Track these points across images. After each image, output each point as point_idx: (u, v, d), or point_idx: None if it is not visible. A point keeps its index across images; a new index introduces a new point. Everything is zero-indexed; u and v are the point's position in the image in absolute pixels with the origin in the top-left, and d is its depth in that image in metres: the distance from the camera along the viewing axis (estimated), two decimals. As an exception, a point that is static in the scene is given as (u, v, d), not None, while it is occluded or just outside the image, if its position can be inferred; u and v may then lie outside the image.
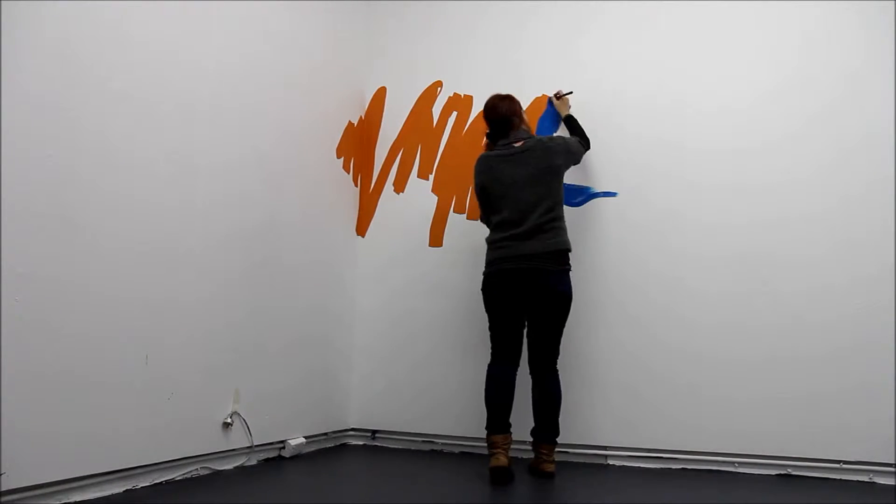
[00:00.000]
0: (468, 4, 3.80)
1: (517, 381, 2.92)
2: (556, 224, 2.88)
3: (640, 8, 3.45)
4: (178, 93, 2.66)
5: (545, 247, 2.83)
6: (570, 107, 3.38)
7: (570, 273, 2.93)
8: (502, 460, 2.77)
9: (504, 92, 3.08)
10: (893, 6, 3.03)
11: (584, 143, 3.22)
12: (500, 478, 2.73)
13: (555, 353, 2.91)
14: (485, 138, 3.12)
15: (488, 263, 2.95)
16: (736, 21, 3.28)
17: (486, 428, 2.85)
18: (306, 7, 3.46)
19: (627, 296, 3.29)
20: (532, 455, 2.95)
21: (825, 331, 2.98)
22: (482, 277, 2.97)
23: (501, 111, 3.00)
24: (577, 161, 3.11)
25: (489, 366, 2.95)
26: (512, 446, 2.87)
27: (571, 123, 3.32)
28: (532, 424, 2.93)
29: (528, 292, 2.85)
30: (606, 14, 3.51)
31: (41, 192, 2.14)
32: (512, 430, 2.88)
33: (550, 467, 2.85)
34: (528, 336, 2.93)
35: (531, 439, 2.94)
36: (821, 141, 3.08)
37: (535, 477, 2.86)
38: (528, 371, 2.93)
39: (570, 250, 2.92)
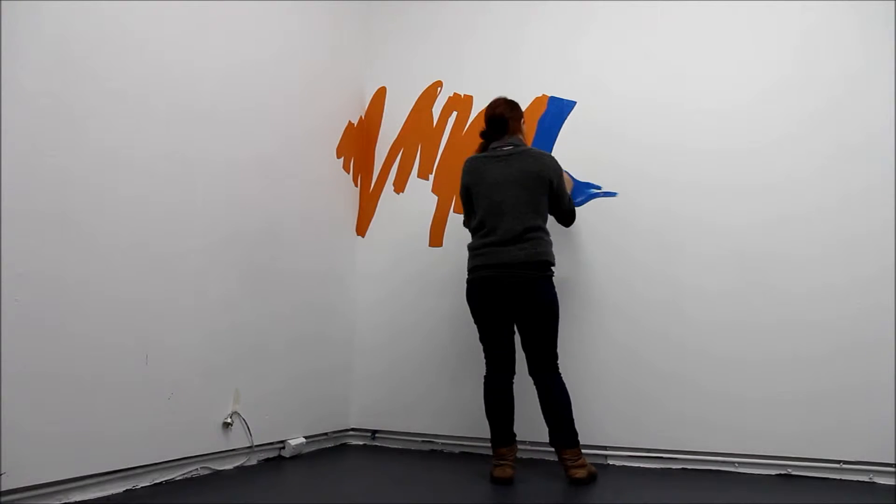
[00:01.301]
0: (468, 5, 3.80)
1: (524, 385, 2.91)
2: (536, 234, 2.81)
3: (641, 8, 3.45)
4: (178, 93, 2.66)
5: (525, 256, 2.77)
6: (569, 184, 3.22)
7: (553, 279, 2.86)
8: (507, 472, 2.77)
9: (508, 96, 3.07)
10: (893, 6, 3.03)
11: (573, 212, 3.13)
12: (502, 484, 2.74)
13: (550, 356, 2.84)
14: (480, 139, 3.09)
15: (469, 271, 2.91)
16: (736, 21, 3.28)
17: (491, 440, 2.86)
18: (306, 7, 3.46)
19: (627, 296, 3.29)
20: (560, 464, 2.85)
21: (825, 330, 2.98)
22: (465, 285, 2.94)
23: (499, 112, 2.97)
24: (562, 202, 2.97)
25: (485, 377, 2.93)
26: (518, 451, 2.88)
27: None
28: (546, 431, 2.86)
29: (511, 301, 2.80)
30: (606, 14, 3.51)
31: (41, 192, 2.15)
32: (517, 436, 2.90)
33: (579, 473, 2.75)
34: (521, 343, 2.89)
35: (551, 448, 2.87)
36: (820, 140, 3.08)
37: (572, 486, 2.75)
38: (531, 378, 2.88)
39: (550, 262, 2.84)
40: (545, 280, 2.82)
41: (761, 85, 3.20)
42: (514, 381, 2.92)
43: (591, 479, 2.79)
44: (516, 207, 2.80)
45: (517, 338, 2.94)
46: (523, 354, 2.88)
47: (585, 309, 3.35)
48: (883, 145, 2.99)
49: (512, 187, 2.82)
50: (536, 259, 2.78)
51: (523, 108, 3.57)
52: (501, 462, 2.80)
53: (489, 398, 2.89)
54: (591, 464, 2.86)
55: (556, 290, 2.89)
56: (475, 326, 2.97)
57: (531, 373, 2.86)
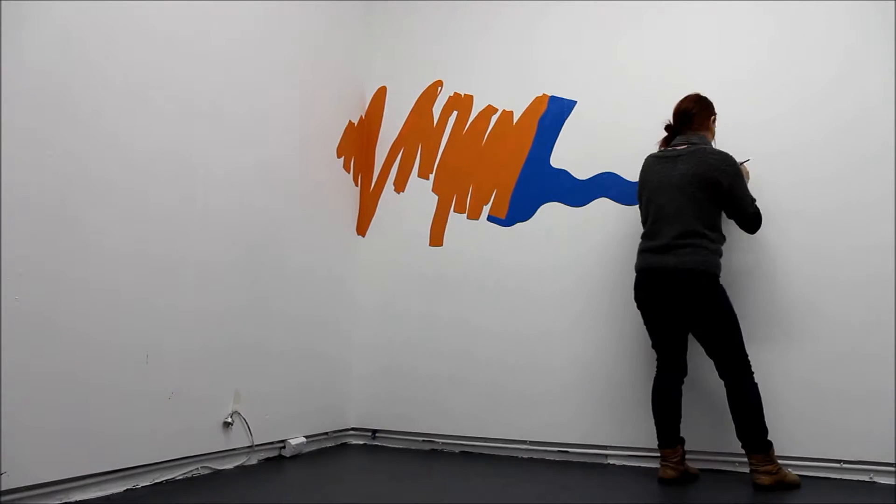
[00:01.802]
0: (469, 4, 3.80)
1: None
2: (693, 241, 2.72)
3: (641, 8, 3.45)
4: (180, 93, 2.66)
5: (677, 264, 2.72)
6: (748, 177, 3.00)
7: (718, 282, 2.76)
8: (669, 473, 2.77)
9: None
10: (893, 6, 3.03)
11: (757, 217, 2.84)
12: (668, 484, 2.75)
13: (729, 360, 2.73)
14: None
15: (636, 271, 2.90)
16: (736, 21, 3.28)
17: (657, 440, 2.84)
18: (306, 7, 3.46)
19: (630, 296, 3.29)
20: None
21: (825, 330, 2.98)
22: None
23: (685, 106, 2.90)
24: (740, 205, 2.78)
25: (654, 377, 2.91)
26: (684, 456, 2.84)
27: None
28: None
29: (672, 305, 2.78)
30: (606, 14, 3.51)
31: (41, 192, 2.15)
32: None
33: (763, 479, 2.66)
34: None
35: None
36: (820, 138, 3.08)
37: (755, 491, 2.67)
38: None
39: (707, 271, 2.71)
40: (701, 287, 2.72)
41: (761, 84, 3.19)
42: (683, 382, 2.88)
43: (779, 486, 2.66)
44: (676, 213, 2.75)
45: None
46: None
47: (586, 308, 3.35)
48: (884, 146, 2.99)
49: (673, 191, 2.77)
50: (688, 267, 2.71)
51: (523, 108, 3.60)
52: (664, 463, 2.80)
53: (654, 397, 2.87)
54: (792, 473, 2.74)
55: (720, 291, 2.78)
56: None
57: (720, 376, 2.79)
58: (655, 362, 2.93)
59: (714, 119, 2.97)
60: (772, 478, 2.67)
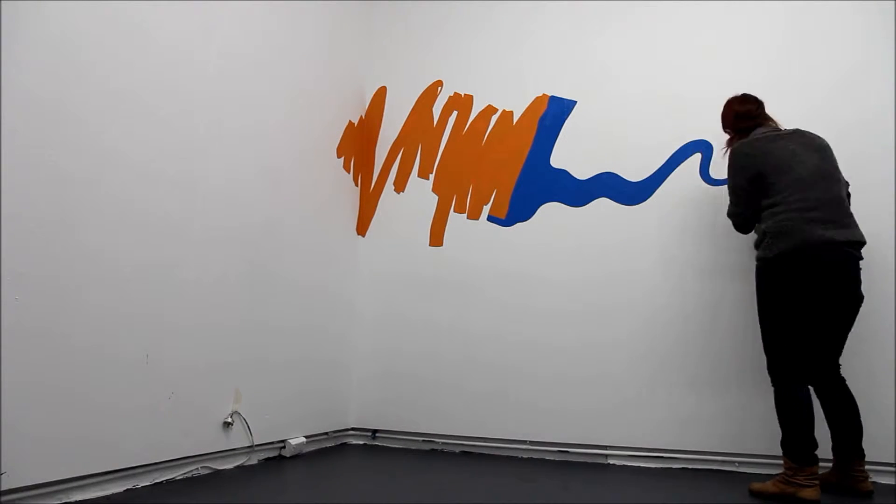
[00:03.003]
0: (469, 4, 3.80)
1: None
2: (851, 211, 2.55)
3: (641, 8, 3.45)
4: (178, 93, 2.66)
5: (852, 235, 2.49)
6: None
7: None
8: (819, 494, 2.44)
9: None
10: (893, 6, 3.03)
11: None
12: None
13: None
14: (731, 136, 2.86)
15: (783, 254, 2.50)
16: (736, 21, 3.28)
17: (800, 456, 2.47)
18: (306, 7, 3.46)
19: (631, 297, 3.29)
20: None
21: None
22: (774, 267, 2.54)
23: (753, 100, 2.82)
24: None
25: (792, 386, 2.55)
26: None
27: None
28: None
29: (838, 286, 2.49)
30: (607, 14, 3.51)
31: (41, 193, 2.14)
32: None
33: (868, 486, 2.54)
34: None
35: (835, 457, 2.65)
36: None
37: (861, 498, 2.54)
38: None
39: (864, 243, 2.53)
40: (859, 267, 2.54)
41: (761, 83, 3.19)
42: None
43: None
44: (829, 177, 2.55)
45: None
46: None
47: (590, 307, 3.35)
48: (884, 144, 2.99)
49: (814, 158, 2.58)
50: (859, 239, 2.52)
51: (523, 108, 3.60)
52: (815, 482, 2.46)
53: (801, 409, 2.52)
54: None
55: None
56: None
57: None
58: (797, 371, 2.54)
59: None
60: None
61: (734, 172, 2.72)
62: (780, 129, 2.74)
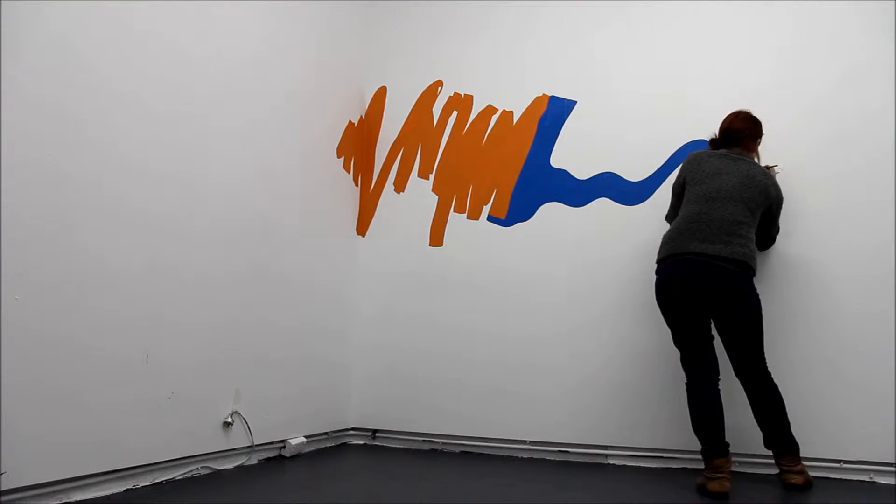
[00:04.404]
0: (469, 4, 3.80)
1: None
2: (742, 234, 2.66)
3: (641, 8, 3.44)
4: (179, 93, 2.66)
5: (731, 253, 2.62)
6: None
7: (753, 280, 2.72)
8: (726, 486, 2.54)
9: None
10: (893, 6, 3.03)
11: (773, 240, 2.99)
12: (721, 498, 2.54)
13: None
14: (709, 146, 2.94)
15: (659, 262, 2.77)
16: (736, 21, 3.28)
17: (703, 451, 2.63)
18: (306, 7, 3.46)
19: (630, 296, 3.29)
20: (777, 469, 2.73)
21: (825, 331, 2.97)
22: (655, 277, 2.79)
23: (736, 126, 2.85)
24: (772, 228, 2.90)
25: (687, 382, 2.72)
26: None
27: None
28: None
29: (711, 296, 2.65)
30: (606, 15, 3.51)
31: (41, 193, 2.15)
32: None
33: (796, 479, 2.63)
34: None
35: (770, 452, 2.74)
36: (820, 138, 3.08)
37: (787, 491, 2.63)
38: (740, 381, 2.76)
39: (753, 268, 2.68)
40: (748, 279, 2.69)
41: (761, 83, 3.19)
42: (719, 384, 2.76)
43: (808, 486, 2.63)
44: (732, 211, 2.67)
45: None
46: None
47: (590, 306, 3.35)
48: (883, 144, 2.99)
49: (733, 188, 2.69)
50: (740, 258, 2.63)
51: (523, 108, 3.60)
52: (719, 475, 2.56)
53: (694, 402, 2.69)
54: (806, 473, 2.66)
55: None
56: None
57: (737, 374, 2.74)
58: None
59: (759, 142, 2.92)
60: (802, 477, 2.63)
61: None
62: (733, 155, 2.80)
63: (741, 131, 2.85)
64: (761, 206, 2.75)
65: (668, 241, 2.77)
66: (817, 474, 2.89)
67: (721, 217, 2.67)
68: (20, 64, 2.09)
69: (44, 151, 2.16)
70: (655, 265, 2.80)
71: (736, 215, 2.67)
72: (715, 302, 2.66)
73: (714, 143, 2.92)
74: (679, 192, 2.88)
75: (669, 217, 2.98)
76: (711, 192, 2.71)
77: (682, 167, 2.90)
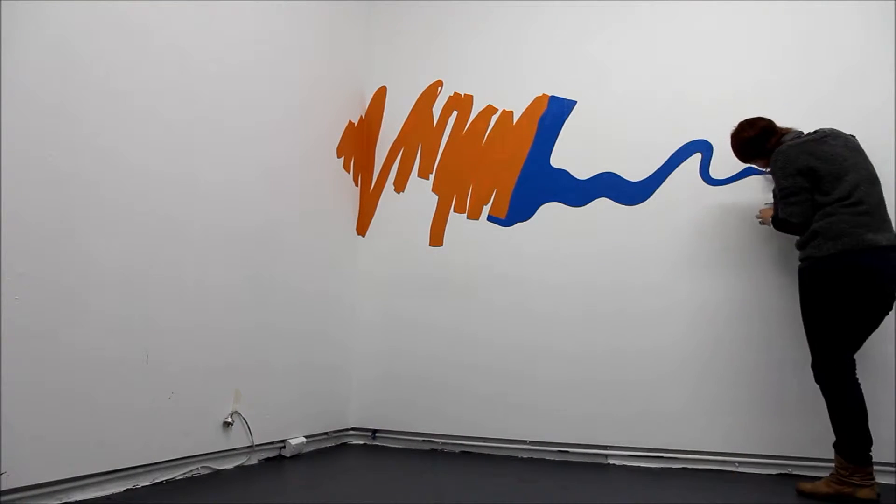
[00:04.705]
0: (469, 5, 3.80)
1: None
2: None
3: (641, 8, 3.45)
4: (179, 93, 2.66)
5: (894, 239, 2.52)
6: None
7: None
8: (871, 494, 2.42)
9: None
10: (894, 6, 3.03)
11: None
12: None
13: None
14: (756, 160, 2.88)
15: (836, 255, 2.51)
16: (736, 21, 3.28)
17: (858, 456, 2.48)
18: (307, 7, 3.46)
19: (630, 296, 3.29)
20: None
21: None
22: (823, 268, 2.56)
23: (744, 135, 2.82)
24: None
25: (850, 381, 2.55)
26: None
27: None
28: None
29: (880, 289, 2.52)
30: (607, 15, 3.51)
31: (41, 193, 2.15)
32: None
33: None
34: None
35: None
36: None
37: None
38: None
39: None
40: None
41: (761, 83, 3.19)
42: None
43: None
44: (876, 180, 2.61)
45: None
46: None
47: (589, 306, 3.35)
48: (883, 144, 2.99)
49: (861, 160, 2.64)
50: None
51: (523, 108, 3.61)
52: (872, 481, 2.46)
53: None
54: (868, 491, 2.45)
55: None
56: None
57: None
58: (844, 363, 2.56)
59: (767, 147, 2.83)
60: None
61: (786, 173, 2.65)
62: (816, 133, 2.71)
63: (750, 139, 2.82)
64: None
65: (840, 232, 2.52)
66: (817, 474, 2.89)
67: (878, 202, 2.57)
68: (20, 64, 2.09)
69: (44, 151, 2.16)
70: (826, 258, 2.53)
71: (881, 195, 2.60)
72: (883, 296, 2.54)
73: (772, 132, 2.79)
74: (809, 180, 2.62)
75: (802, 215, 2.63)
76: (863, 179, 2.57)
77: (792, 161, 2.64)
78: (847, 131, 3.04)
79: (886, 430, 2.83)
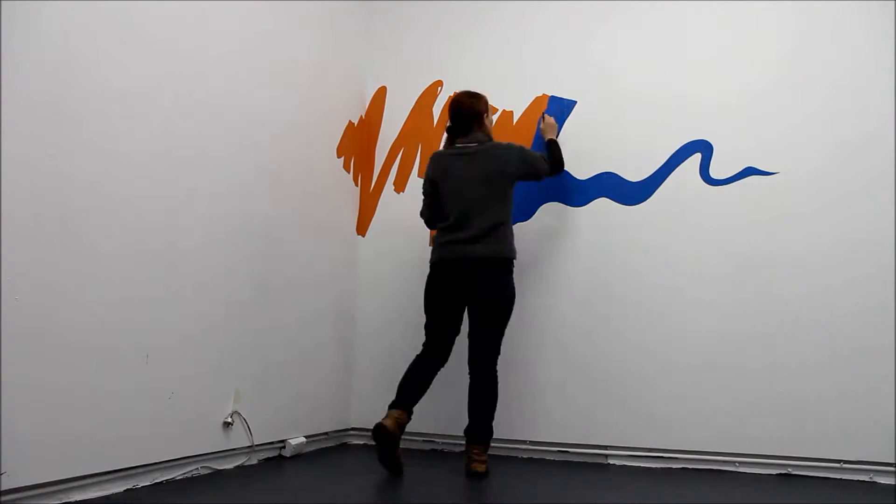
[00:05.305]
0: (469, 4, 3.79)
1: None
2: (500, 231, 2.93)
3: (642, 8, 3.44)
4: (178, 93, 2.66)
5: (490, 252, 2.90)
6: (557, 132, 3.38)
7: (512, 275, 2.98)
8: (387, 423, 2.80)
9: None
10: (893, 6, 3.03)
11: (552, 166, 3.19)
12: (380, 439, 2.79)
13: (493, 353, 2.96)
14: (444, 133, 3.15)
15: (432, 265, 3.03)
16: (737, 21, 3.28)
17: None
18: (306, 7, 3.46)
19: (629, 296, 3.29)
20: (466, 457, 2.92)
21: (825, 331, 2.97)
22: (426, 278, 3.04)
23: (465, 109, 3.04)
24: (534, 174, 3.10)
25: (416, 358, 3.04)
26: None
27: (551, 147, 3.27)
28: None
29: (469, 293, 2.94)
30: (607, 14, 3.51)
31: (41, 193, 2.15)
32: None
33: (480, 467, 2.86)
34: (468, 336, 3.00)
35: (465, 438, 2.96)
36: (820, 139, 3.08)
37: (468, 478, 2.84)
38: (468, 370, 2.98)
39: (513, 258, 2.98)
40: (505, 275, 2.96)
41: (761, 83, 3.19)
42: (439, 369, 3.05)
43: (486, 475, 2.85)
44: (484, 208, 2.92)
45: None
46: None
47: (590, 306, 3.35)
48: (883, 144, 2.99)
49: (477, 186, 2.93)
50: (498, 256, 2.92)
51: (523, 108, 3.60)
52: (386, 413, 2.88)
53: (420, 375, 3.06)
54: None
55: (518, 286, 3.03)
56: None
57: (470, 366, 2.98)
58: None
59: (487, 115, 3.10)
60: (484, 466, 2.86)
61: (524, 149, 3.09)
62: (467, 147, 3.00)
63: (471, 114, 3.03)
64: (508, 180, 2.99)
65: (438, 248, 3.03)
66: (818, 474, 2.90)
67: (476, 228, 2.93)
68: (20, 64, 2.08)
69: (44, 151, 2.16)
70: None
71: (489, 221, 2.93)
72: (469, 296, 3.01)
73: (451, 130, 3.08)
74: (430, 191, 3.09)
75: (426, 214, 3.17)
76: (464, 206, 2.94)
77: (428, 167, 3.11)
78: (847, 131, 3.06)
79: (886, 429, 2.83)
